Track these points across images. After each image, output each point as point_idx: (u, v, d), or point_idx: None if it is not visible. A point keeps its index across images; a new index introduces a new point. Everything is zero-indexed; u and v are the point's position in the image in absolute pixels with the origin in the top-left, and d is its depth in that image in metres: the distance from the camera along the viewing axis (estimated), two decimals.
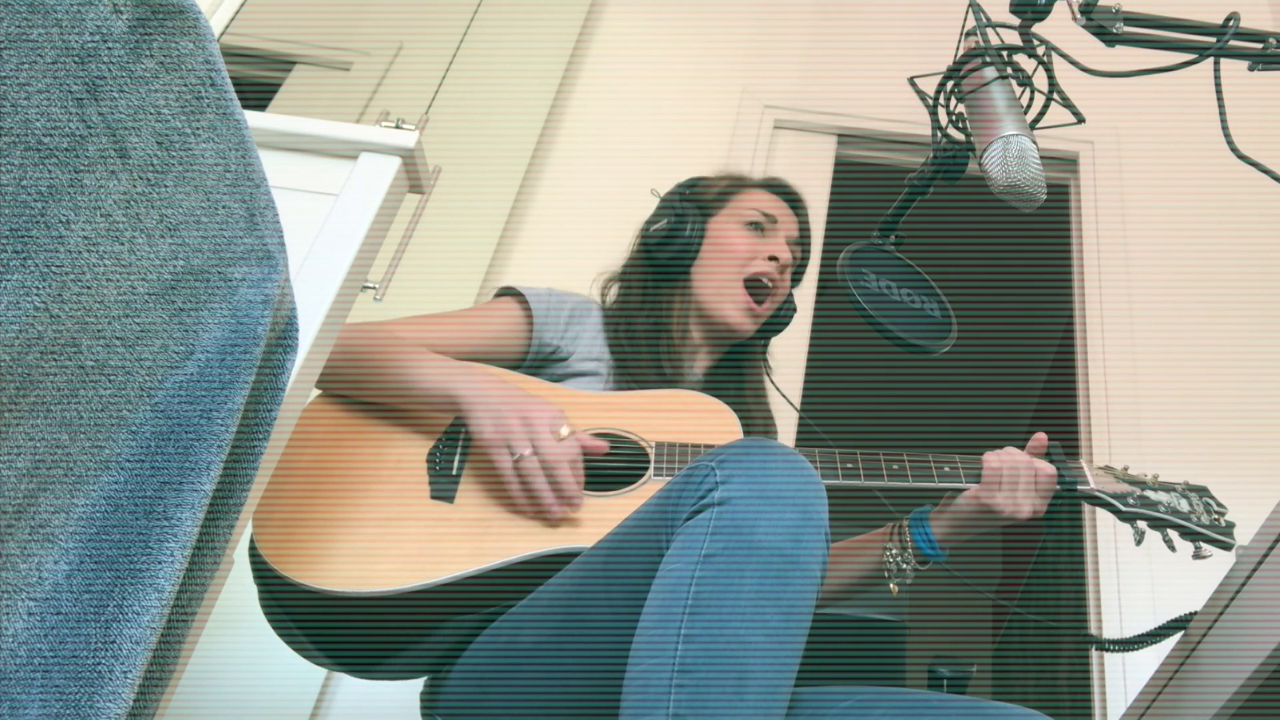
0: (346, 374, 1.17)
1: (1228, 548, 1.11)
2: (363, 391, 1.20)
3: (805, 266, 1.49)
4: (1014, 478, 1.14)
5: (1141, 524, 1.15)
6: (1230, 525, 1.13)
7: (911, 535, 1.19)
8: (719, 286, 1.37)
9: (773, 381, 1.47)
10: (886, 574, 1.19)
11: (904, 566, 1.17)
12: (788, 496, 0.89)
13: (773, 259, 1.38)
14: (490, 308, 1.34)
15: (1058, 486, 1.15)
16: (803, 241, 1.46)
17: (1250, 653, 0.82)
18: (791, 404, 1.52)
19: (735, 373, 1.44)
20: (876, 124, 2.68)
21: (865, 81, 2.67)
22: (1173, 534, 1.15)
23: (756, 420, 1.38)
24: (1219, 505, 1.16)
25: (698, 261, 1.40)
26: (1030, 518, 1.15)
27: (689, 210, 1.42)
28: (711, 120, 2.66)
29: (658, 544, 0.93)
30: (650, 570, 0.91)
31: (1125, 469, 1.22)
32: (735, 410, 1.27)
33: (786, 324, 1.48)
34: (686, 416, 1.24)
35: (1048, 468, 1.15)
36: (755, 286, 1.38)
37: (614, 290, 1.44)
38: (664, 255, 1.39)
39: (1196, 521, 1.13)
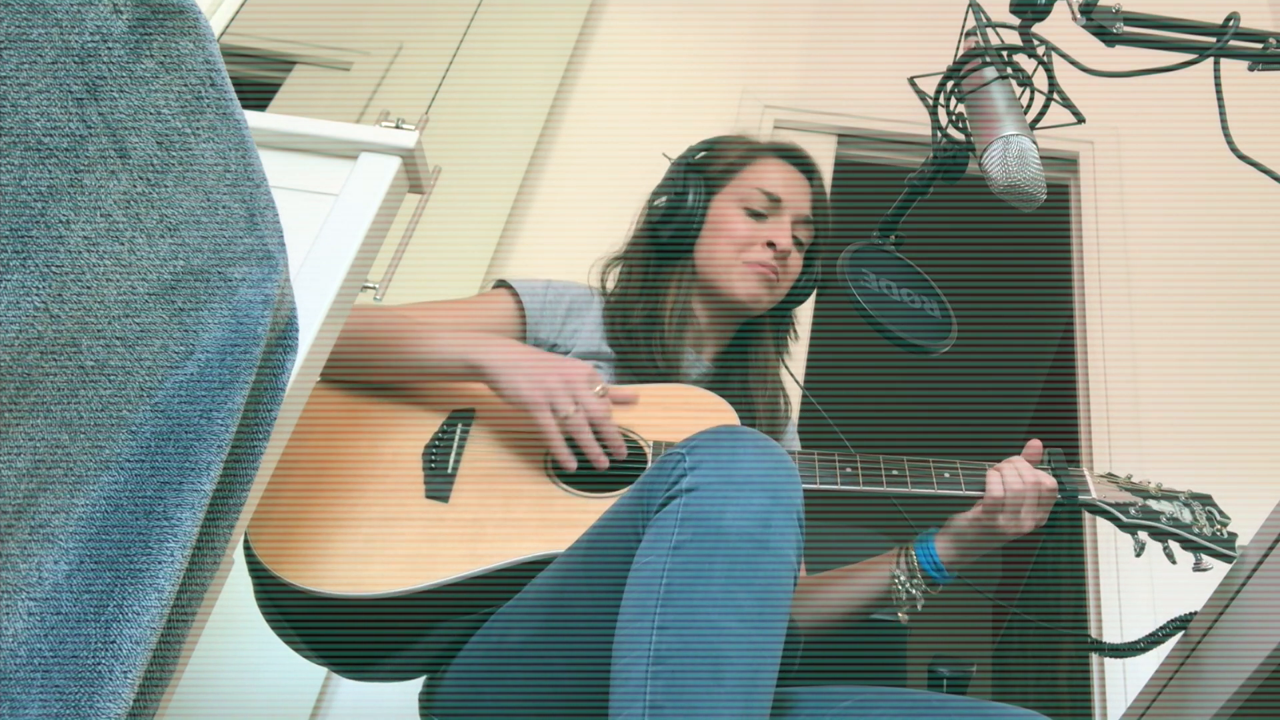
0: (353, 355, 1.15)
1: (1230, 560, 1.08)
2: (371, 371, 1.19)
3: (825, 233, 1.43)
4: (1018, 500, 1.13)
5: (1143, 535, 1.13)
6: (1233, 536, 1.11)
7: (918, 560, 1.17)
8: (722, 266, 1.34)
9: (786, 366, 1.43)
10: (895, 602, 1.18)
11: (913, 593, 1.16)
12: (756, 481, 0.88)
13: (770, 245, 1.33)
14: (485, 299, 1.32)
15: (1059, 497, 1.14)
16: (816, 217, 1.40)
17: (1250, 653, 0.82)
18: (797, 380, 1.45)
19: (742, 355, 1.40)
20: (876, 124, 2.68)
21: (865, 81, 2.67)
22: (1174, 545, 1.13)
23: (760, 404, 1.34)
24: (1222, 515, 1.14)
25: (699, 240, 1.36)
26: (1033, 530, 1.14)
27: (693, 183, 1.37)
28: (711, 120, 2.65)
29: (635, 535, 0.92)
30: (629, 563, 0.91)
31: (1128, 477, 1.20)
32: (740, 394, 1.25)
33: (805, 297, 1.43)
34: (687, 414, 1.23)
35: (1049, 481, 1.13)
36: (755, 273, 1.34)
37: (614, 274, 1.41)
38: (666, 232, 1.36)
39: (1198, 532, 1.11)
